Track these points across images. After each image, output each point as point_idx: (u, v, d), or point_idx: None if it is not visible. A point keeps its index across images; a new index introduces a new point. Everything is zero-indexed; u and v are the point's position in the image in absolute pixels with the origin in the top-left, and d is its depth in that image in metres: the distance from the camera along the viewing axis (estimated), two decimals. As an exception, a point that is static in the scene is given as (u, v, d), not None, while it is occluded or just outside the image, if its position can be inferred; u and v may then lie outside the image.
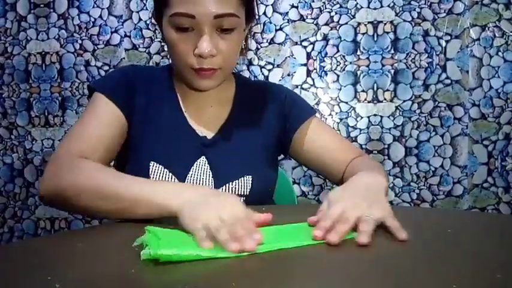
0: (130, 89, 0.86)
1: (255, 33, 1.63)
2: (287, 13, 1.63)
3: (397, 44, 1.59)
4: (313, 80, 1.63)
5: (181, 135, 0.86)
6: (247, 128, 0.90)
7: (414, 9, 1.58)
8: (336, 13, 1.61)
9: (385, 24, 1.59)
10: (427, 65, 1.58)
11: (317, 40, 1.62)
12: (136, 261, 0.48)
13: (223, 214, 0.56)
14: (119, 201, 0.66)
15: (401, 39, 1.59)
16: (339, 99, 1.62)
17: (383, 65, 1.60)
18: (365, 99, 1.61)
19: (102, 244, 0.55)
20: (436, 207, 1.59)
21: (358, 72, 1.61)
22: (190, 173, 0.82)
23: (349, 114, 1.62)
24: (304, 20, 1.63)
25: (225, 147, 0.86)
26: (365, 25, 1.60)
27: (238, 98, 0.93)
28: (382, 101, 1.60)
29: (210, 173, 0.83)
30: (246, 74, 1.64)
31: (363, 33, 1.60)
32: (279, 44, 1.64)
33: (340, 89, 1.62)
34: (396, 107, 1.60)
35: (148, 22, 1.69)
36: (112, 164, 0.88)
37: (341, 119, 1.62)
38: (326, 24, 1.62)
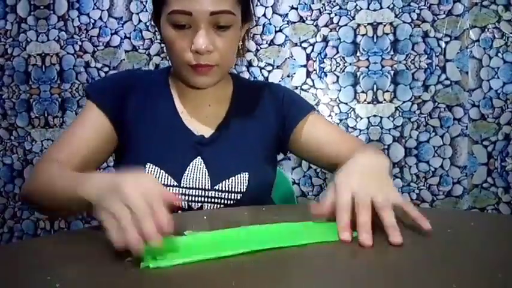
0: (122, 94, 0.88)
1: (254, 34, 1.63)
2: (287, 14, 1.63)
3: (397, 45, 1.59)
4: (312, 81, 1.63)
5: (176, 136, 0.87)
6: (244, 126, 0.90)
7: (414, 11, 1.58)
8: (335, 15, 1.61)
9: (384, 25, 1.60)
10: (426, 66, 1.58)
11: (317, 41, 1.63)
12: (136, 261, 0.48)
13: (129, 199, 0.51)
14: (57, 199, 0.66)
15: (401, 41, 1.59)
16: (339, 100, 1.62)
17: (383, 66, 1.60)
18: (365, 100, 1.61)
19: (102, 244, 0.55)
20: (435, 207, 1.59)
21: (358, 74, 1.61)
22: (186, 172, 0.83)
23: (349, 115, 1.62)
24: (303, 21, 1.63)
25: (222, 145, 0.87)
26: (365, 26, 1.60)
27: (236, 97, 0.93)
28: (381, 102, 1.60)
29: (206, 172, 0.83)
30: (246, 75, 1.64)
31: (363, 35, 1.61)
32: (278, 45, 1.64)
33: (339, 90, 1.62)
34: (396, 108, 1.60)
35: (148, 24, 1.69)
36: (105, 166, 0.91)
37: (341, 120, 1.62)
38: (326, 25, 1.62)
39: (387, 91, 1.60)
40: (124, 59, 1.71)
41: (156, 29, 0.89)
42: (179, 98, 0.91)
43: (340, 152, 0.87)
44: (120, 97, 0.87)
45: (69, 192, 0.60)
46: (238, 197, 0.83)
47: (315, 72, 1.63)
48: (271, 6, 1.64)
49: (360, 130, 1.62)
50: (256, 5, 1.63)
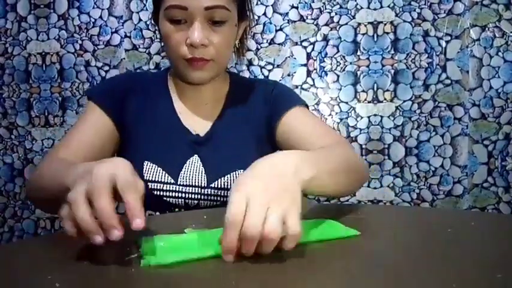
0: (123, 97, 0.90)
1: (255, 33, 1.63)
2: (287, 13, 1.63)
3: (397, 45, 1.59)
4: (313, 80, 1.63)
5: (174, 135, 0.88)
6: (239, 123, 0.92)
7: (414, 10, 1.58)
8: (336, 13, 1.61)
9: (385, 24, 1.59)
10: (427, 65, 1.58)
11: (317, 40, 1.63)
12: (136, 261, 0.48)
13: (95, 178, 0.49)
14: (54, 193, 0.64)
15: (402, 40, 1.59)
16: (339, 99, 1.62)
17: (383, 65, 1.60)
18: (365, 100, 1.61)
19: (102, 244, 0.55)
20: (436, 207, 1.59)
21: (358, 73, 1.61)
22: (183, 170, 0.84)
23: (349, 114, 1.62)
24: (304, 20, 1.63)
25: (217, 144, 0.88)
26: (365, 25, 1.60)
27: (231, 95, 0.95)
28: (382, 101, 1.60)
29: (203, 170, 0.85)
30: (246, 74, 1.64)
31: (363, 34, 1.60)
32: (279, 44, 1.64)
33: (340, 89, 1.62)
34: (396, 107, 1.60)
35: (148, 23, 1.69)
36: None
37: (341, 119, 1.62)
38: (326, 24, 1.62)
39: (388, 90, 1.60)
40: (124, 58, 1.71)
41: (156, 28, 0.90)
42: (177, 98, 0.93)
43: (313, 146, 0.83)
44: (120, 99, 0.90)
45: (60, 185, 0.58)
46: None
47: (315, 71, 1.63)
48: (272, 5, 1.64)
49: (361, 129, 1.61)
50: (257, 4, 1.63)
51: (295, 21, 1.63)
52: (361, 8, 1.60)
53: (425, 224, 0.66)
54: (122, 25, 1.70)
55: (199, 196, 0.84)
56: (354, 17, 1.61)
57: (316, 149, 0.67)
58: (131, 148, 0.88)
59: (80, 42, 1.73)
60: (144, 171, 0.82)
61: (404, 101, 1.60)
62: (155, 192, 0.82)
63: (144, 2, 1.69)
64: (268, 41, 1.64)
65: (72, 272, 0.47)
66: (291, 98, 0.95)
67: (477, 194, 1.59)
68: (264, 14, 1.64)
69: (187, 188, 0.83)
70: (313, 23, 1.62)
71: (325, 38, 1.62)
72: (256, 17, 1.63)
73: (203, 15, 0.80)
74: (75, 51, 1.73)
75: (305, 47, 1.63)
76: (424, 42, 1.58)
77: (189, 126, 0.89)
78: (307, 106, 0.96)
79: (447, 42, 1.57)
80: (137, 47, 1.70)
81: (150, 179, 0.82)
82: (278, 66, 1.64)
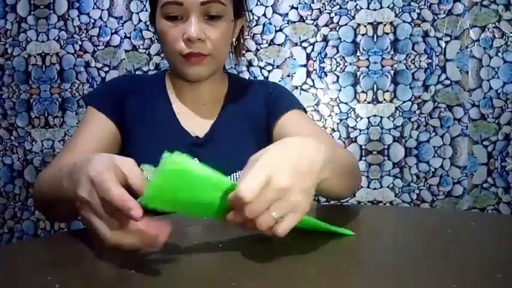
0: (121, 98, 0.90)
1: (254, 34, 1.63)
2: (287, 14, 1.63)
3: (397, 45, 1.59)
4: (313, 81, 1.63)
5: (173, 137, 0.88)
6: (237, 124, 0.91)
7: (414, 10, 1.58)
8: (335, 14, 1.61)
9: (384, 25, 1.59)
10: (426, 66, 1.58)
11: (317, 41, 1.63)
12: (136, 261, 0.48)
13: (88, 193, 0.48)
14: (57, 200, 0.64)
15: (401, 40, 1.59)
16: (339, 100, 1.62)
17: (383, 66, 1.60)
18: (365, 100, 1.61)
19: (102, 244, 0.55)
20: (435, 207, 1.59)
21: (358, 73, 1.61)
22: None
23: (349, 115, 1.62)
24: (304, 21, 1.63)
25: (216, 145, 0.88)
26: (365, 26, 1.60)
27: (229, 96, 0.95)
28: (381, 102, 1.60)
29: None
30: (246, 75, 1.64)
31: (363, 34, 1.61)
32: (278, 45, 1.64)
33: (340, 90, 1.62)
34: (396, 108, 1.60)
35: (148, 23, 1.69)
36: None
37: (341, 120, 1.62)
38: (326, 25, 1.62)
39: (387, 91, 1.60)
40: (124, 59, 1.71)
41: (154, 30, 0.91)
42: (176, 99, 0.93)
43: None
44: (119, 101, 0.89)
45: (61, 192, 0.58)
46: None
47: (315, 72, 1.63)
48: (271, 6, 1.64)
49: (360, 130, 1.61)
50: (256, 5, 1.63)
51: (294, 22, 1.63)
52: (361, 8, 1.60)
53: (425, 224, 0.66)
54: (122, 26, 1.70)
55: None
56: (353, 18, 1.61)
57: (329, 146, 0.64)
58: (130, 151, 0.88)
59: (79, 43, 1.73)
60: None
61: (404, 102, 1.60)
62: None
63: (144, 2, 1.69)
64: (268, 42, 1.64)
65: (72, 272, 0.47)
66: (289, 101, 0.95)
67: (477, 194, 1.59)
68: (264, 14, 1.64)
69: None
70: (312, 24, 1.62)
71: (325, 39, 1.62)
72: (255, 18, 1.63)
73: (199, 10, 0.80)
74: (75, 52, 1.73)
75: (305, 48, 1.63)
76: (423, 43, 1.58)
77: (188, 128, 0.89)
78: (305, 110, 0.96)
79: (447, 42, 1.57)
80: (137, 47, 1.70)
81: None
82: (278, 67, 1.64)
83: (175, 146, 0.87)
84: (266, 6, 1.64)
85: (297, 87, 1.63)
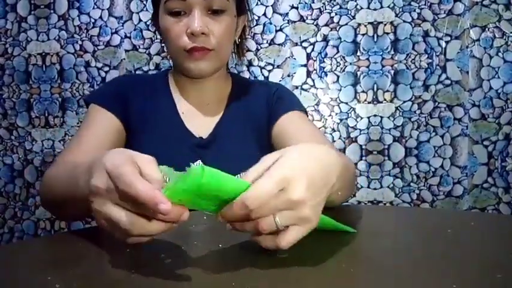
0: (125, 97, 0.89)
1: (255, 34, 1.63)
2: (287, 14, 1.63)
3: (397, 45, 1.59)
4: (313, 80, 1.63)
5: (177, 139, 0.87)
6: (240, 125, 0.91)
7: (414, 10, 1.58)
8: (336, 14, 1.61)
9: (385, 25, 1.59)
10: (427, 66, 1.58)
11: (317, 41, 1.63)
12: (137, 262, 0.48)
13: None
14: (61, 195, 0.63)
15: (401, 40, 1.59)
16: (339, 100, 1.62)
17: (383, 66, 1.60)
18: (365, 100, 1.61)
19: (102, 244, 0.55)
20: (436, 207, 1.59)
21: (358, 73, 1.61)
22: None
23: (349, 114, 1.62)
24: (304, 20, 1.63)
25: (219, 146, 0.88)
26: (365, 26, 1.60)
27: (233, 96, 0.94)
28: (382, 102, 1.60)
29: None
30: (246, 74, 1.64)
31: (363, 34, 1.61)
32: (279, 44, 1.64)
33: (340, 90, 1.62)
34: (396, 108, 1.60)
35: (148, 23, 1.69)
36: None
37: (341, 120, 1.62)
38: (326, 25, 1.62)
39: (387, 91, 1.60)
40: (124, 59, 1.71)
41: (156, 30, 0.90)
42: (179, 98, 0.92)
43: None
44: (124, 100, 0.88)
45: (76, 191, 0.55)
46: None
47: (315, 71, 1.63)
48: (272, 6, 1.64)
49: (360, 130, 1.61)
50: (257, 4, 1.63)
51: (295, 22, 1.63)
52: (361, 8, 1.60)
53: (426, 224, 0.66)
54: (122, 26, 1.70)
55: None
56: (353, 18, 1.61)
57: (339, 156, 0.58)
58: (135, 151, 0.87)
59: (80, 42, 1.73)
60: None
61: (404, 102, 1.60)
62: None
63: (144, 2, 1.69)
64: (268, 42, 1.64)
65: (72, 272, 0.47)
66: (290, 102, 0.95)
67: (477, 194, 1.59)
68: (264, 14, 1.64)
69: None
70: (313, 24, 1.62)
71: (325, 39, 1.62)
72: (256, 17, 1.63)
73: (202, 5, 0.80)
74: (75, 52, 1.73)
75: (305, 48, 1.63)
76: (424, 43, 1.58)
77: (191, 129, 0.88)
78: (306, 112, 0.96)
79: (447, 42, 1.57)
80: (137, 47, 1.70)
81: None
82: (278, 66, 1.64)
83: (179, 147, 0.86)
84: (266, 6, 1.64)
85: (297, 87, 1.63)
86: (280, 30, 1.64)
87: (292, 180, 0.44)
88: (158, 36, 1.67)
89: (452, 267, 0.46)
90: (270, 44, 1.64)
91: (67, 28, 1.73)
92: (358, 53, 1.61)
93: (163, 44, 1.67)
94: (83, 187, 0.50)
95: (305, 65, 1.63)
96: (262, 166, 0.48)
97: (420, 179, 1.60)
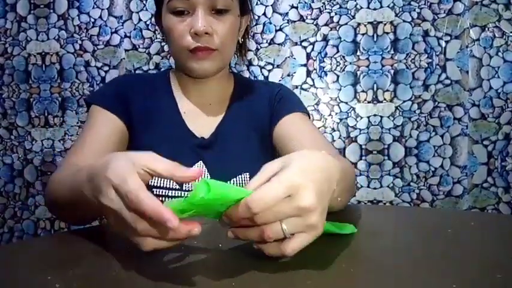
0: (126, 97, 0.88)
1: (254, 33, 1.63)
2: (287, 13, 1.63)
3: (397, 45, 1.59)
4: (313, 80, 1.63)
5: (178, 139, 0.87)
6: (242, 125, 0.90)
7: (414, 10, 1.58)
8: (335, 13, 1.61)
9: (384, 24, 1.59)
10: (426, 65, 1.58)
11: (317, 40, 1.62)
12: (137, 262, 0.48)
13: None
14: (74, 204, 0.61)
15: (401, 40, 1.59)
16: (339, 100, 1.62)
17: (383, 66, 1.60)
18: (365, 100, 1.61)
19: (102, 244, 0.55)
20: (435, 207, 1.59)
21: (358, 73, 1.61)
22: None
23: (349, 114, 1.62)
24: (304, 20, 1.63)
25: (221, 147, 0.87)
26: (365, 25, 1.60)
27: (235, 96, 0.94)
28: (382, 101, 1.60)
29: (208, 175, 0.83)
30: (246, 74, 1.64)
31: (363, 34, 1.60)
32: (278, 44, 1.64)
33: (340, 90, 1.62)
34: (396, 107, 1.60)
35: (148, 23, 1.69)
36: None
37: (341, 119, 1.62)
38: (326, 24, 1.62)
39: (387, 90, 1.60)
40: (124, 58, 1.71)
41: (157, 28, 0.90)
42: (181, 98, 0.91)
43: None
44: (125, 100, 0.87)
45: (81, 197, 0.54)
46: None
47: (315, 71, 1.63)
48: (271, 5, 1.64)
49: (360, 129, 1.61)
50: (256, 4, 1.63)
51: (294, 21, 1.63)
52: (361, 8, 1.60)
53: (426, 224, 0.66)
54: (122, 25, 1.70)
55: None
56: (353, 17, 1.61)
57: (337, 161, 0.56)
58: (137, 151, 0.86)
59: (79, 42, 1.72)
60: None
61: (404, 101, 1.60)
62: (160, 198, 0.80)
63: (144, 2, 1.69)
64: (268, 41, 1.64)
65: (72, 272, 0.47)
66: (293, 103, 0.94)
67: (477, 194, 1.59)
68: (264, 14, 1.64)
69: None
70: (312, 23, 1.62)
71: (325, 38, 1.62)
72: (255, 17, 1.62)
73: (206, 4, 0.80)
74: (74, 52, 1.73)
75: (305, 47, 1.63)
76: (423, 42, 1.58)
77: (193, 129, 0.88)
78: (308, 114, 0.95)
79: (447, 42, 1.57)
80: (137, 47, 1.70)
81: (155, 184, 0.80)
82: (278, 66, 1.64)
83: (180, 147, 0.86)
84: (266, 6, 1.64)
85: (297, 87, 1.63)
86: (280, 29, 1.64)
87: (301, 187, 0.44)
88: (158, 36, 1.67)
89: (452, 267, 0.46)
90: (269, 44, 1.64)
91: (67, 28, 1.73)
92: (358, 53, 1.61)
93: (163, 44, 1.67)
94: (88, 195, 0.51)
95: (305, 65, 1.63)
96: (264, 175, 0.48)
97: (420, 179, 1.60)
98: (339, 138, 1.62)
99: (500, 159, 1.57)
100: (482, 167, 1.58)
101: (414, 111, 1.59)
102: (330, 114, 1.63)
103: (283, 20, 1.63)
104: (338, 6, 1.61)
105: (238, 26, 0.88)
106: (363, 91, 1.61)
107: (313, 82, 1.63)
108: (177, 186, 0.81)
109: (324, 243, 0.54)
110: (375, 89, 1.60)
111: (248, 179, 0.83)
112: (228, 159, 0.85)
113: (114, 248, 0.54)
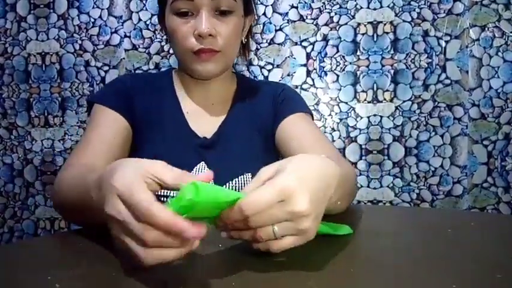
0: (129, 97, 0.87)
1: (254, 33, 1.63)
2: (287, 13, 1.63)
3: (397, 44, 1.59)
4: (313, 80, 1.63)
5: (181, 139, 0.86)
6: (245, 125, 0.90)
7: (414, 10, 1.58)
8: (335, 13, 1.61)
9: (384, 24, 1.59)
10: (426, 65, 1.58)
11: (317, 40, 1.62)
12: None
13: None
14: (74, 200, 0.61)
15: (401, 40, 1.59)
16: (339, 100, 1.62)
17: (383, 65, 1.60)
18: (365, 100, 1.61)
19: (102, 244, 0.55)
20: (435, 207, 1.59)
21: (358, 73, 1.61)
22: None
23: (349, 114, 1.62)
24: (304, 20, 1.63)
25: (224, 147, 0.87)
26: (365, 25, 1.60)
27: (238, 96, 0.93)
28: (381, 101, 1.60)
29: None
30: (246, 74, 1.64)
31: (363, 34, 1.60)
32: (278, 44, 1.64)
33: (340, 89, 1.62)
34: (396, 107, 1.60)
35: (148, 22, 1.69)
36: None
37: (341, 119, 1.62)
38: (326, 24, 1.62)
39: (387, 90, 1.60)
40: (124, 58, 1.71)
41: (159, 28, 0.89)
42: (184, 97, 0.91)
43: None
44: (128, 99, 0.87)
45: (88, 202, 0.52)
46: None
47: (315, 71, 1.63)
48: (271, 5, 1.64)
49: (360, 129, 1.61)
50: (256, 4, 1.62)
51: (294, 21, 1.63)
52: (361, 7, 1.60)
53: (426, 224, 0.66)
54: (122, 25, 1.70)
55: None
56: (353, 17, 1.61)
57: (337, 166, 0.55)
58: (138, 151, 0.86)
59: (79, 42, 1.72)
60: None
61: (404, 101, 1.60)
62: (162, 199, 0.80)
63: (144, 1, 1.69)
64: (268, 41, 1.64)
65: (72, 272, 0.47)
66: (296, 103, 0.94)
67: (477, 194, 1.59)
68: (264, 13, 1.64)
69: None
70: (312, 23, 1.62)
71: (325, 38, 1.62)
72: (256, 16, 1.62)
73: (210, 5, 0.79)
74: (74, 51, 1.73)
75: (305, 47, 1.63)
76: (423, 42, 1.58)
77: (196, 129, 0.87)
78: (311, 114, 0.95)
79: (447, 42, 1.57)
80: (137, 47, 1.70)
81: None
82: (278, 66, 1.64)
83: (182, 147, 0.86)
84: (266, 6, 1.64)
85: (297, 87, 1.63)
86: (280, 29, 1.64)
87: (294, 192, 0.44)
88: (158, 36, 1.67)
89: (452, 267, 0.46)
90: (269, 44, 1.64)
91: (67, 27, 1.73)
92: (358, 53, 1.61)
93: (163, 43, 1.67)
94: (95, 201, 0.49)
95: (305, 65, 1.63)
96: (261, 178, 0.48)
97: (420, 179, 1.60)
98: (339, 138, 1.62)
99: (500, 159, 1.57)
100: (482, 166, 1.58)
101: (414, 111, 1.59)
102: (329, 114, 1.63)
103: (283, 19, 1.63)
104: (338, 6, 1.61)
105: (242, 26, 0.88)
106: (362, 91, 1.61)
107: (313, 82, 1.63)
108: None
109: (324, 243, 0.54)
110: (375, 88, 1.60)
111: (250, 179, 0.83)
112: (230, 159, 0.85)
113: (114, 248, 0.54)
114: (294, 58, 1.64)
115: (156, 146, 0.85)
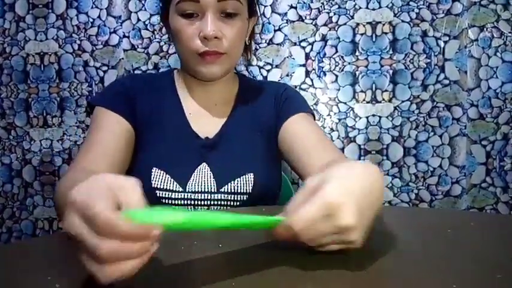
0: (130, 98, 0.87)
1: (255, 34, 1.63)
2: (286, 14, 1.63)
3: (396, 45, 1.59)
4: (311, 80, 1.63)
5: (183, 139, 0.86)
6: (248, 125, 0.90)
7: (413, 10, 1.58)
8: (334, 14, 1.61)
9: (383, 24, 1.60)
10: (425, 66, 1.58)
11: (316, 41, 1.63)
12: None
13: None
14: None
15: (400, 40, 1.59)
16: (338, 100, 1.62)
17: (381, 66, 1.60)
18: (363, 100, 1.61)
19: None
20: (434, 207, 1.59)
21: (357, 73, 1.61)
22: (192, 178, 0.82)
23: (348, 114, 1.62)
24: (302, 20, 1.63)
25: (225, 147, 0.87)
26: (363, 26, 1.60)
27: (240, 97, 0.93)
28: (380, 102, 1.61)
29: (211, 175, 0.83)
30: (245, 74, 1.64)
31: (362, 34, 1.61)
32: (277, 44, 1.64)
33: (338, 90, 1.62)
34: (395, 108, 1.60)
35: (147, 23, 1.69)
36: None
37: (340, 119, 1.62)
38: (325, 24, 1.62)
39: (386, 90, 1.60)
40: (123, 58, 1.70)
41: (159, 28, 0.89)
42: (186, 98, 0.91)
43: (312, 157, 0.80)
44: (130, 100, 0.86)
45: None
46: (244, 198, 0.82)
47: (313, 71, 1.63)
48: (270, 5, 1.64)
49: (359, 130, 1.62)
50: (257, 3, 1.62)
51: (293, 21, 1.63)
52: (360, 8, 1.60)
53: (425, 224, 0.66)
54: (121, 25, 1.70)
55: (208, 202, 0.81)
56: (352, 17, 1.61)
57: (377, 170, 0.53)
58: (140, 152, 0.85)
59: (78, 42, 1.72)
60: (152, 178, 0.80)
61: (402, 101, 1.60)
62: (163, 200, 0.80)
63: (143, 2, 1.69)
64: (267, 41, 1.64)
65: (72, 272, 0.47)
66: (298, 103, 0.94)
67: (475, 194, 1.59)
68: (263, 14, 1.64)
69: (196, 194, 0.81)
70: (311, 23, 1.62)
71: (324, 38, 1.62)
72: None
73: (215, 7, 0.79)
74: (73, 51, 1.73)
75: (304, 47, 1.63)
76: (422, 43, 1.58)
77: (197, 130, 0.87)
78: (313, 114, 0.95)
79: (445, 42, 1.57)
80: (136, 47, 1.70)
81: (158, 186, 0.79)
82: (277, 66, 1.64)
83: (184, 148, 0.86)
84: (265, 6, 1.64)
85: (295, 87, 1.63)
86: (279, 30, 1.64)
87: (340, 205, 0.44)
88: (157, 36, 1.67)
89: (452, 267, 0.46)
90: (268, 44, 1.64)
91: (65, 28, 1.72)
92: (357, 53, 1.61)
93: (162, 44, 1.67)
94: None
95: (304, 65, 1.63)
96: (306, 190, 0.48)
97: (419, 179, 1.61)
98: (338, 138, 1.62)
99: (499, 159, 1.57)
100: (481, 167, 1.58)
101: (413, 111, 1.59)
102: (328, 114, 1.63)
103: (282, 20, 1.63)
104: (337, 6, 1.61)
105: (247, 28, 0.87)
106: (361, 91, 1.61)
107: (312, 82, 1.63)
108: (180, 189, 0.80)
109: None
110: (374, 89, 1.61)
111: (252, 179, 0.83)
112: (232, 160, 0.85)
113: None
114: (293, 58, 1.64)
115: (158, 147, 0.84)
